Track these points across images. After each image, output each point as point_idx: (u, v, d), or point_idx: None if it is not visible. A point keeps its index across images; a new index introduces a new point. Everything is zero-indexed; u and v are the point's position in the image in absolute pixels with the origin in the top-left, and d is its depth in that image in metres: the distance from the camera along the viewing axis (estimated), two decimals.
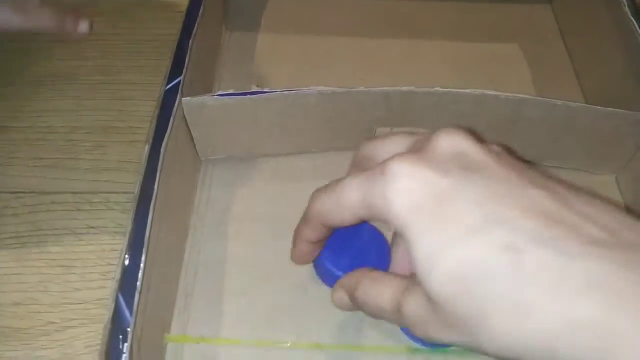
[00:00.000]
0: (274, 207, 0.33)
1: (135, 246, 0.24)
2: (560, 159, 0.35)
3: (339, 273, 0.27)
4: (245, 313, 0.29)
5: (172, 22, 0.34)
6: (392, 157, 0.20)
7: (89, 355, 0.28)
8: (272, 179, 0.34)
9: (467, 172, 0.19)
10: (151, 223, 0.25)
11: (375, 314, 0.23)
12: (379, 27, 0.44)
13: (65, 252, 0.32)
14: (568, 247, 0.17)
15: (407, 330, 0.26)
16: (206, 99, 0.30)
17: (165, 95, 0.30)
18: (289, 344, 0.28)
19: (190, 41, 0.32)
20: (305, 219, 0.25)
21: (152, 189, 0.26)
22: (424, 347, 0.28)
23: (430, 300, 0.19)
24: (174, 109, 0.29)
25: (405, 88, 0.31)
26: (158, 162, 0.27)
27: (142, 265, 0.24)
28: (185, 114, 0.31)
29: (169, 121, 0.28)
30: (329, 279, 0.28)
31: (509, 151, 0.22)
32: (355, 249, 0.28)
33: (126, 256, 0.24)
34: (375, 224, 0.29)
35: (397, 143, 0.23)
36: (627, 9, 0.35)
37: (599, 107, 0.31)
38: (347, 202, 0.22)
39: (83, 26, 0.34)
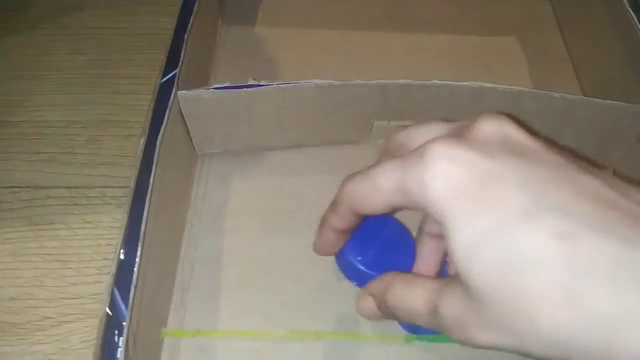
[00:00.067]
0: (270, 201, 0.33)
1: (130, 240, 0.24)
2: None
3: (362, 267, 0.26)
4: (242, 307, 0.29)
5: (168, 16, 0.34)
6: (430, 140, 0.19)
7: (85, 350, 0.28)
8: (269, 173, 0.34)
9: (514, 156, 0.18)
10: (147, 217, 0.25)
11: (408, 319, 0.21)
12: (376, 21, 0.44)
13: (62, 247, 0.32)
14: (626, 233, 0.16)
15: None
16: (202, 92, 0.30)
17: (161, 88, 0.29)
18: (286, 335, 0.28)
19: (186, 34, 0.32)
20: (333, 205, 0.23)
21: (148, 182, 0.26)
22: (420, 335, 0.27)
23: (470, 296, 0.17)
24: (170, 102, 0.29)
25: (402, 81, 0.31)
26: (154, 155, 0.27)
27: (137, 259, 0.24)
28: (181, 107, 0.30)
29: (164, 114, 0.28)
30: (351, 273, 0.27)
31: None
32: (381, 243, 0.27)
33: (121, 250, 0.24)
34: (402, 219, 0.28)
35: (433, 129, 0.22)
36: (625, 1, 0.35)
37: (597, 99, 0.31)
38: (381, 187, 0.20)
39: None
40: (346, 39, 0.42)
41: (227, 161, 0.34)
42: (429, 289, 0.20)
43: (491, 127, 0.19)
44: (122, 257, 0.24)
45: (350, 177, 0.22)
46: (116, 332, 0.22)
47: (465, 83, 0.30)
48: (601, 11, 0.38)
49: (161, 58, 0.31)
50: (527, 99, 0.31)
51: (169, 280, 0.29)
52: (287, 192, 0.33)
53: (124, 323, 0.22)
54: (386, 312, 0.22)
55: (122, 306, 0.22)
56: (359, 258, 0.26)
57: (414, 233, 0.28)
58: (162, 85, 0.30)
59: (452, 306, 0.19)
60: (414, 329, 0.27)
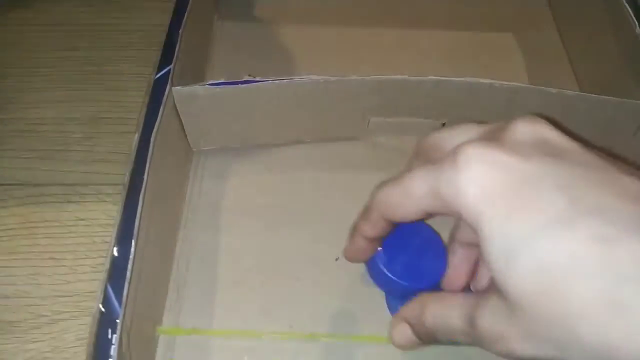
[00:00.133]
0: (266, 198, 0.33)
1: (124, 237, 0.24)
2: None
3: (391, 275, 0.25)
4: (237, 304, 0.29)
5: (163, 12, 0.33)
6: (464, 143, 0.18)
7: (80, 347, 0.28)
8: (265, 169, 0.34)
9: (550, 158, 0.17)
10: (141, 213, 0.25)
11: (450, 337, 0.20)
12: (373, 17, 0.43)
13: (56, 245, 0.31)
14: None
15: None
16: (197, 88, 0.30)
17: (155, 83, 0.29)
18: (282, 335, 0.28)
19: (181, 30, 0.32)
20: (365, 212, 0.23)
21: (142, 179, 0.26)
22: None
23: (509, 305, 0.17)
24: (164, 98, 0.29)
25: (398, 77, 0.31)
26: (148, 151, 0.27)
27: (131, 256, 0.23)
28: (176, 103, 0.30)
29: (158, 110, 0.28)
30: (381, 280, 0.26)
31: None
32: (412, 251, 0.26)
33: (115, 247, 0.24)
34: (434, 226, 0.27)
35: (466, 132, 0.21)
36: None
37: (593, 95, 0.31)
38: (413, 193, 0.19)
39: None
40: (342, 35, 0.42)
41: (222, 158, 0.34)
42: (464, 303, 0.20)
43: (526, 129, 0.18)
44: (115, 254, 0.23)
45: (382, 183, 0.22)
46: (109, 329, 0.22)
47: (461, 79, 0.30)
48: (598, 7, 0.38)
49: (156, 55, 0.31)
50: (523, 95, 0.31)
51: (164, 277, 0.29)
52: (283, 188, 0.33)
53: (118, 320, 0.22)
54: (425, 335, 0.21)
55: (116, 303, 0.22)
56: (390, 266, 0.25)
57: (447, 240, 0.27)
58: (156, 80, 0.29)
59: (489, 318, 0.18)
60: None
